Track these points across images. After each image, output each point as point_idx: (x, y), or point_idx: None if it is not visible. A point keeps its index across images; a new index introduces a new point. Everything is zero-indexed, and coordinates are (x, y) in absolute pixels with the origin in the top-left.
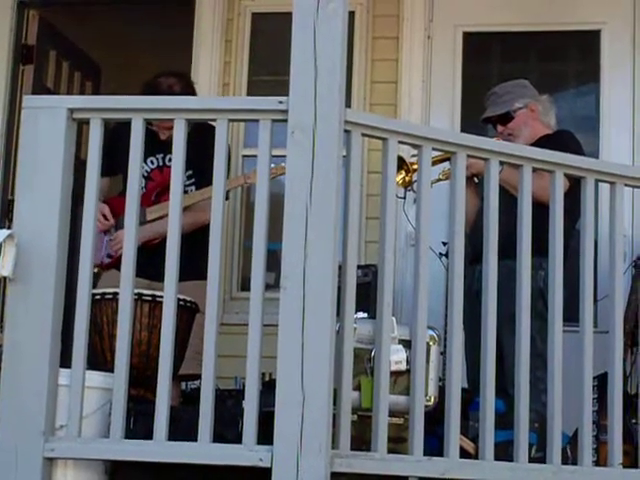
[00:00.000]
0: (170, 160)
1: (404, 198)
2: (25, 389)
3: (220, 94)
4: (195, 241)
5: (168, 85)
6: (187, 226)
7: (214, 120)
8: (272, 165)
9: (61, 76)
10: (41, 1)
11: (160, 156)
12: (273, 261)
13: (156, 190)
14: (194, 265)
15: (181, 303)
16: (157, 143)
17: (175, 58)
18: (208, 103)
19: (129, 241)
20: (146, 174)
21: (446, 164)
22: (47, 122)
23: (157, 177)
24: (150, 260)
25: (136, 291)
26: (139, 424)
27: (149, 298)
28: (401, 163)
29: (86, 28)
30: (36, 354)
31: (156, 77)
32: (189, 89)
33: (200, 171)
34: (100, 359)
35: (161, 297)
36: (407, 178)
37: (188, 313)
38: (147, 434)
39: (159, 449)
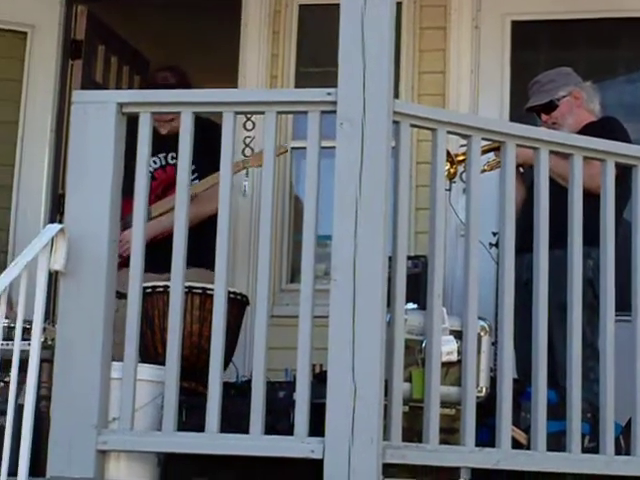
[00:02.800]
0: (173, 158)
1: (449, 190)
2: (78, 382)
3: (268, 87)
4: (201, 232)
5: (162, 78)
6: (192, 217)
7: (262, 113)
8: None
9: (110, 71)
10: None
11: (162, 155)
12: (322, 252)
13: (160, 188)
14: (199, 254)
15: (231, 296)
16: (159, 142)
17: (222, 52)
18: (257, 96)
19: (179, 236)
20: (150, 174)
21: (490, 155)
22: (97, 117)
23: (161, 176)
24: (158, 254)
25: (187, 284)
26: (191, 416)
27: (199, 291)
28: (445, 155)
29: (133, 23)
30: (88, 347)
31: (154, 72)
32: (183, 80)
33: (203, 166)
34: (151, 352)
35: (211, 290)
36: (452, 170)
37: (238, 305)
38: (199, 426)
39: (211, 441)
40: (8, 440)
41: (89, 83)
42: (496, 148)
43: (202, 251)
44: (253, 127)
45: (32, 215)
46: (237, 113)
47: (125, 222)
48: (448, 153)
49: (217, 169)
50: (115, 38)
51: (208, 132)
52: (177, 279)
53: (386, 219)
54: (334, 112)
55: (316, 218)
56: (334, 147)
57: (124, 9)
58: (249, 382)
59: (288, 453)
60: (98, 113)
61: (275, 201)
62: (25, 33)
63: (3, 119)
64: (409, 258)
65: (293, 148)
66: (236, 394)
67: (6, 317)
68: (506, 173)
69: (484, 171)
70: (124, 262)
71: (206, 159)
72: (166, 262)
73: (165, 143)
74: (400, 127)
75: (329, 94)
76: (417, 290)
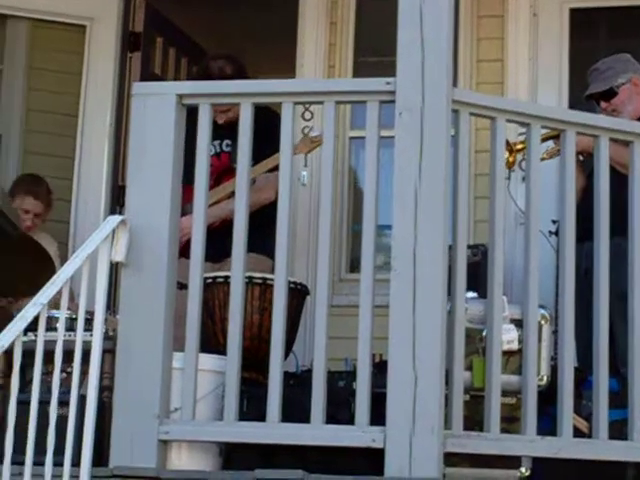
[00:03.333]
0: (227, 146)
1: (508, 179)
2: (140, 373)
3: (326, 77)
4: (257, 219)
5: (219, 68)
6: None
7: (320, 103)
8: (314, 134)
9: (168, 62)
10: None
11: (217, 142)
12: (381, 242)
13: (214, 176)
14: (255, 241)
15: (291, 286)
16: (214, 129)
17: (279, 43)
18: (315, 86)
19: (238, 228)
20: None
21: (549, 143)
22: (157, 108)
23: (215, 163)
24: (212, 243)
25: (247, 274)
26: (251, 406)
27: (260, 281)
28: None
29: (191, 14)
30: (150, 338)
31: (207, 60)
32: (240, 70)
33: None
34: (212, 342)
35: (271, 280)
36: (510, 159)
37: (298, 295)
38: (259, 416)
39: (272, 431)
40: (71, 430)
41: (148, 75)
42: (555, 136)
43: (259, 238)
44: (311, 117)
45: (92, 207)
46: (296, 103)
47: (182, 210)
48: (507, 141)
49: (269, 154)
50: (173, 29)
51: (263, 118)
52: (238, 269)
53: (446, 208)
54: (393, 102)
55: (376, 208)
56: (393, 137)
57: (181, 0)
58: (309, 372)
59: (349, 442)
60: (158, 105)
61: (334, 190)
62: (84, 26)
63: (63, 112)
64: (468, 247)
65: (351, 138)
66: (296, 384)
67: (68, 308)
68: (566, 161)
69: (542, 159)
70: (181, 250)
71: (260, 144)
72: (222, 250)
73: (220, 130)
74: (459, 116)
75: (388, 83)
76: (476, 279)
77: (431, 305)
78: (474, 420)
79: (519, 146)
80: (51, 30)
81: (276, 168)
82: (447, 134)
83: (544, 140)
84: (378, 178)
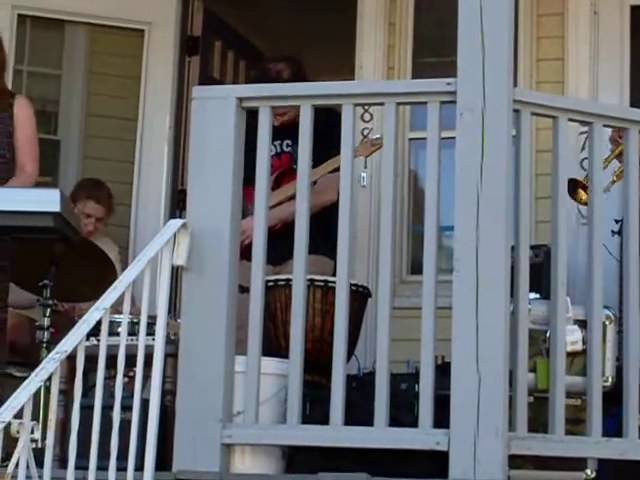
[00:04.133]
0: (288, 146)
1: None
2: (202, 377)
3: (385, 78)
4: (317, 220)
5: (277, 71)
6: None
7: (381, 104)
8: (375, 137)
9: (226, 66)
10: None
11: (277, 143)
12: (442, 243)
13: (274, 176)
14: (316, 242)
15: (353, 288)
16: (274, 130)
17: (338, 45)
18: (376, 87)
19: (300, 232)
20: None
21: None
22: (217, 112)
23: (275, 163)
24: (273, 245)
25: (308, 277)
26: (314, 409)
27: (321, 283)
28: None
29: (248, 16)
30: (212, 341)
31: (265, 62)
32: (299, 74)
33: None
34: (274, 345)
35: (333, 282)
36: None
37: (360, 298)
38: (322, 419)
39: (336, 434)
40: (134, 435)
41: (206, 79)
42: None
43: (320, 239)
44: (371, 119)
45: (152, 211)
46: (356, 105)
47: (243, 211)
48: None
49: (330, 155)
50: (231, 33)
51: (324, 119)
52: (299, 272)
53: (508, 208)
54: (454, 102)
55: (437, 210)
56: (453, 137)
57: (239, 3)
58: (371, 374)
59: (413, 445)
60: (218, 108)
61: (395, 192)
62: (142, 30)
63: (123, 116)
64: (530, 248)
65: (411, 139)
66: (358, 386)
67: (130, 313)
68: (629, 160)
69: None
70: (242, 252)
71: (321, 146)
72: (283, 253)
73: (280, 131)
74: (521, 115)
75: (449, 84)
76: (539, 280)
77: (494, 306)
78: (538, 422)
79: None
80: (109, 35)
81: (337, 169)
82: (508, 134)
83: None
84: (439, 179)
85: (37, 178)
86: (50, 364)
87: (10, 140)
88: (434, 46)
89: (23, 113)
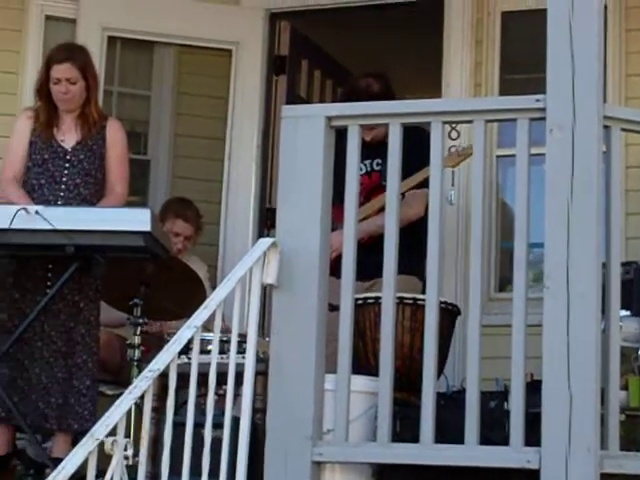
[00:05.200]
0: (378, 165)
1: None
2: (292, 394)
3: (472, 95)
4: (405, 238)
5: (366, 86)
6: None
7: (470, 122)
8: (460, 147)
9: (313, 85)
10: (292, 11)
11: (368, 162)
12: (531, 260)
13: (364, 194)
14: (404, 261)
15: (442, 306)
16: (364, 149)
17: (424, 62)
18: (464, 105)
19: (389, 248)
20: None
21: None
22: (306, 131)
23: (366, 182)
24: (360, 260)
25: (397, 295)
26: (404, 427)
27: (410, 301)
28: None
29: (335, 36)
30: (302, 360)
31: (354, 80)
32: (388, 90)
33: (409, 172)
34: (363, 363)
35: (422, 300)
36: None
37: (449, 315)
38: (412, 437)
39: (426, 452)
40: (225, 452)
41: (293, 98)
42: None
43: (407, 257)
44: (458, 136)
45: (241, 230)
46: (445, 123)
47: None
48: None
49: (416, 168)
50: (318, 52)
51: (412, 136)
52: (389, 290)
53: (599, 225)
54: (543, 119)
55: (527, 226)
56: (542, 154)
57: (325, 22)
58: (459, 392)
59: (504, 463)
60: (307, 127)
61: (484, 209)
62: (230, 50)
63: (211, 136)
64: (620, 264)
65: (499, 156)
66: (446, 404)
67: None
68: None
69: None
70: (330, 267)
71: (409, 163)
72: (371, 269)
73: (371, 150)
74: (611, 132)
75: (538, 101)
76: (629, 297)
77: (585, 323)
78: (630, 440)
79: None
80: (198, 55)
81: (422, 184)
82: (599, 150)
83: None
84: (529, 196)
85: (127, 199)
86: (143, 382)
87: (102, 162)
88: (521, 63)
89: (115, 135)
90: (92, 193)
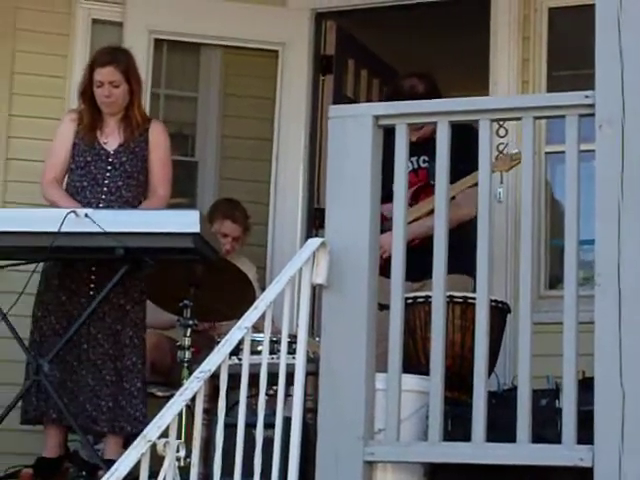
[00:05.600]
0: (425, 162)
1: None
2: (343, 394)
3: (520, 92)
4: (455, 237)
5: (410, 86)
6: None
7: (518, 119)
8: (514, 152)
9: (360, 84)
10: (337, 11)
11: (414, 159)
12: (580, 257)
13: (411, 192)
14: (454, 260)
15: (493, 304)
16: (410, 146)
17: (470, 60)
18: (513, 102)
19: (439, 250)
20: None
21: None
22: (354, 130)
23: (412, 179)
24: (411, 261)
25: (448, 293)
26: (456, 426)
27: (460, 300)
28: None
29: (381, 35)
30: (352, 359)
31: (398, 79)
32: (433, 89)
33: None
34: (414, 362)
35: (472, 298)
36: None
37: (499, 313)
38: (464, 436)
39: (477, 451)
40: (277, 453)
41: (340, 97)
42: None
43: (457, 256)
44: (506, 134)
45: (289, 230)
46: (493, 120)
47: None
48: None
49: (467, 171)
50: (364, 51)
51: (460, 134)
52: (439, 289)
53: None
54: (592, 115)
55: (578, 224)
56: (591, 150)
57: (372, 21)
58: (510, 391)
59: (556, 462)
60: (355, 127)
61: (534, 207)
62: (276, 51)
63: (258, 137)
64: None
65: (547, 153)
66: (497, 403)
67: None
68: None
69: None
70: (379, 268)
71: (457, 161)
72: (421, 269)
73: (417, 146)
74: None
75: (587, 97)
76: None
77: (637, 320)
78: None
79: None
80: (244, 56)
81: (474, 185)
82: None
83: None
84: (579, 193)
85: (169, 201)
86: (194, 383)
87: (145, 164)
88: (569, 59)
89: (158, 137)
90: (134, 195)
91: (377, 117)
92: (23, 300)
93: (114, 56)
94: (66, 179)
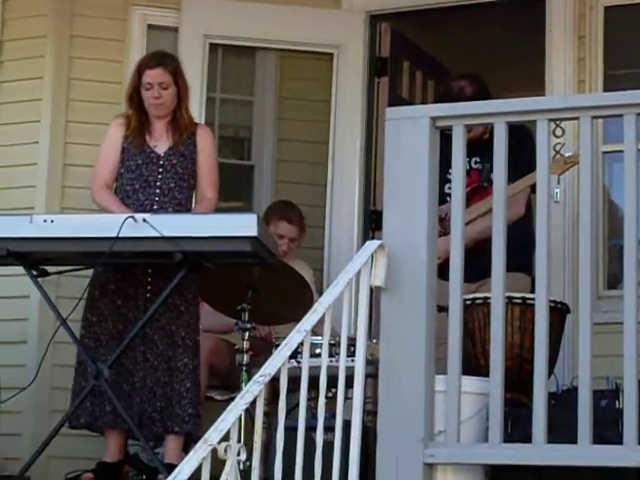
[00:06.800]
0: (476, 163)
1: None
2: (403, 397)
3: (576, 92)
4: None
5: (459, 88)
6: None
7: (576, 119)
8: (568, 155)
9: (415, 86)
10: (392, 13)
11: (466, 160)
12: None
13: None
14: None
15: (552, 305)
16: None
17: (525, 60)
18: (571, 102)
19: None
20: None
21: None
22: (410, 132)
23: (465, 181)
24: (466, 263)
25: (506, 294)
26: (516, 428)
27: (519, 301)
28: None
29: (436, 37)
30: (412, 362)
31: (448, 81)
32: (483, 91)
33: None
34: (473, 364)
35: (531, 299)
36: None
37: (559, 314)
38: (524, 437)
39: (538, 452)
40: (337, 455)
41: (395, 99)
42: None
43: (512, 254)
44: (563, 133)
45: (345, 233)
46: (550, 120)
47: None
48: None
49: (521, 171)
50: (419, 53)
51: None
52: (498, 291)
53: None
54: None
55: (637, 222)
56: None
57: (426, 22)
58: (569, 391)
59: (618, 462)
60: (412, 128)
61: (592, 207)
62: (331, 54)
63: (313, 140)
64: None
65: (605, 152)
66: (557, 404)
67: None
68: None
69: None
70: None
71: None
72: (477, 271)
73: (469, 148)
74: None
75: None
76: None
77: None
78: None
79: None
80: (299, 59)
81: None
82: None
83: None
84: (638, 192)
85: (223, 204)
86: (254, 387)
87: (194, 167)
88: (625, 57)
89: (205, 141)
90: (186, 197)
91: (434, 119)
92: (70, 305)
93: (162, 58)
94: (115, 183)
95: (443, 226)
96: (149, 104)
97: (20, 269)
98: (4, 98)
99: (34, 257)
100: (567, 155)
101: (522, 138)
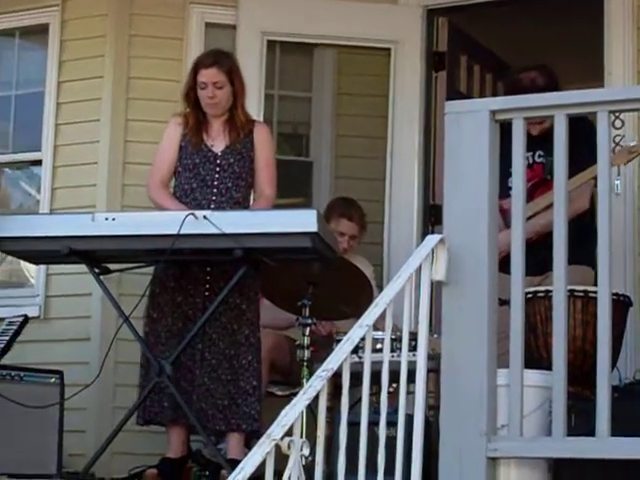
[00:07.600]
0: (540, 157)
1: None
2: (465, 391)
3: (635, 83)
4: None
5: (531, 80)
6: None
7: (637, 110)
8: (632, 144)
9: (473, 80)
10: (449, 7)
11: (530, 154)
12: None
13: (527, 187)
14: (573, 251)
15: (614, 298)
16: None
17: (583, 52)
18: (630, 93)
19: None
20: None
21: None
22: (470, 125)
23: (528, 174)
24: (529, 257)
25: (568, 287)
26: (579, 421)
27: (581, 294)
28: None
29: (493, 30)
30: (474, 356)
31: (517, 73)
32: (553, 82)
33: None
34: (535, 357)
35: (593, 292)
36: None
37: (621, 307)
38: (587, 431)
39: (602, 446)
40: (400, 450)
41: (453, 93)
42: None
43: (576, 247)
44: (622, 125)
45: (404, 228)
46: (611, 112)
47: None
48: None
49: (582, 163)
50: (476, 47)
51: (576, 127)
52: (560, 284)
53: None
54: None
55: None
56: None
57: (483, 16)
58: (632, 384)
59: None
60: (471, 122)
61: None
62: (389, 49)
63: (372, 135)
64: None
65: None
66: (620, 397)
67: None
68: None
69: None
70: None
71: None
72: (540, 264)
73: (532, 141)
74: None
75: None
76: None
77: None
78: None
79: None
80: (357, 55)
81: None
82: None
83: None
84: None
85: (281, 201)
86: (317, 382)
87: (252, 165)
88: None
89: (262, 138)
90: (244, 196)
91: (494, 112)
92: (131, 302)
93: (217, 57)
94: (173, 181)
95: (506, 219)
96: (204, 103)
97: (82, 267)
98: (65, 98)
99: (96, 255)
100: (632, 145)
101: (584, 130)
